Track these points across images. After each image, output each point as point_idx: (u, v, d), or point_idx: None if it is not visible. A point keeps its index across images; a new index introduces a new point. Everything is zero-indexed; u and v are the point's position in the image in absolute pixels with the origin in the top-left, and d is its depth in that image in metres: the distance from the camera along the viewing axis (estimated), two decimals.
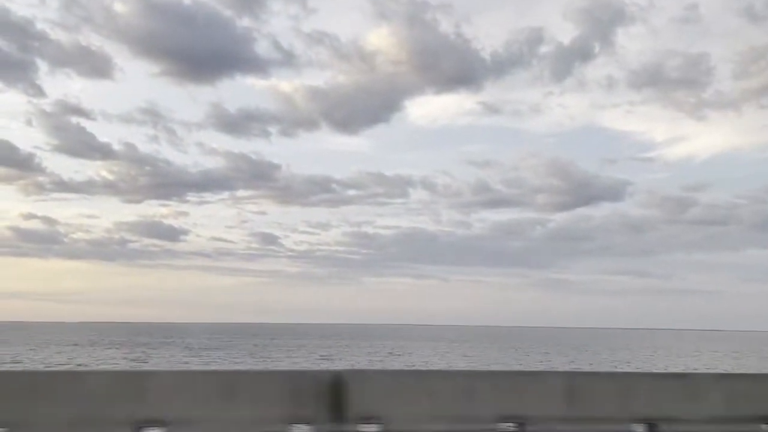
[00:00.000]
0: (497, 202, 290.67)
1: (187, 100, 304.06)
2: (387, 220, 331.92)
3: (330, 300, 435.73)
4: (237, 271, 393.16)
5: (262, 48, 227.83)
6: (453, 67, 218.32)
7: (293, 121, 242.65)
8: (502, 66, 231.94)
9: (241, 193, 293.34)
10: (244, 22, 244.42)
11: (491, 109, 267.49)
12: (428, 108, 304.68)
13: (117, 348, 58.36)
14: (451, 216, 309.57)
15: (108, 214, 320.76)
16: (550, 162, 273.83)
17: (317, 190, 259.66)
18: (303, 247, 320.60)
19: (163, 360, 43.15)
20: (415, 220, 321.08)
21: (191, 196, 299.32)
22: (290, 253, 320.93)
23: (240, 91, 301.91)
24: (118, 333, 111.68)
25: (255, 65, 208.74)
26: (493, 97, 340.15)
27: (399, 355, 52.11)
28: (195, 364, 39.86)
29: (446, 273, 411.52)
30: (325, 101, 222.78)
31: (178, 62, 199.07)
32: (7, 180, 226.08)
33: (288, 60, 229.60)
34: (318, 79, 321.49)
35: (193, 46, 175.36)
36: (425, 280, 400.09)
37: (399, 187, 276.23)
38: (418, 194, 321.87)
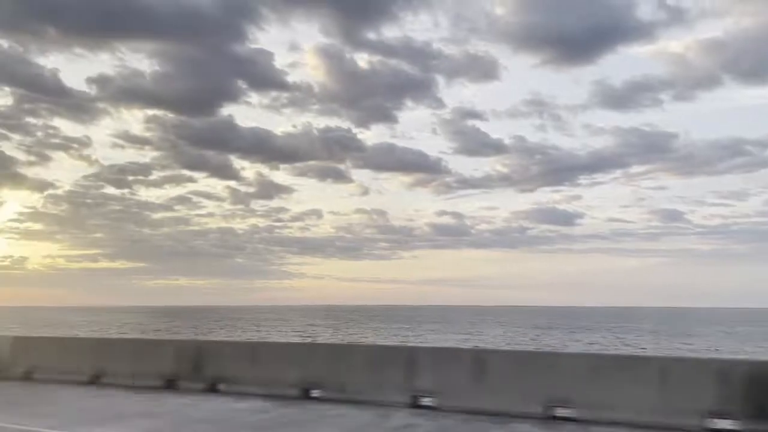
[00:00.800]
0: None
1: (569, 83, 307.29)
2: None
3: (757, 281, 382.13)
4: (639, 252, 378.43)
5: (644, 11, 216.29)
6: None
7: (688, 82, 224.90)
8: None
9: (635, 169, 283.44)
10: None
11: None
12: None
13: (555, 330, 68.81)
14: None
15: (506, 205, 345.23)
16: None
17: (726, 155, 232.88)
18: (715, 222, 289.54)
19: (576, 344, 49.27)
20: None
21: (583, 179, 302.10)
22: (699, 230, 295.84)
23: (624, 63, 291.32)
24: (539, 316, 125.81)
25: (638, 32, 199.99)
26: None
27: None
28: (615, 349, 46.05)
29: None
30: (725, 53, 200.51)
31: (558, 48, 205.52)
32: (422, 183, 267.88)
33: (676, 17, 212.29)
34: (715, 29, 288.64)
35: (571, 29, 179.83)
36: None
37: None
38: None
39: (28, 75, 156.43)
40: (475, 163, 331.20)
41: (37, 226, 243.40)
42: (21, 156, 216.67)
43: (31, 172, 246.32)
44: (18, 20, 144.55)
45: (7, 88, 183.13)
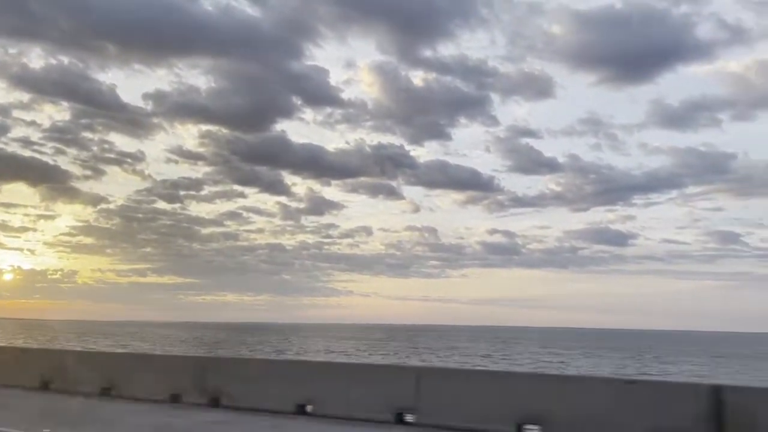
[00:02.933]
0: None
1: (626, 102, 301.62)
2: None
3: None
4: (694, 275, 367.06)
5: (704, 31, 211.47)
6: None
7: (748, 102, 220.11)
8: None
9: (690, 190, 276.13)
10: (682, 8, 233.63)
11: None
12: None
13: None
14: None
15: (558, 224, 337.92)
16: None
17: None
18: None
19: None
20: None
21: (637, 199, 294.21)
22: (757, 252, 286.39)
23: (682, 82, 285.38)
24: (589, 339, 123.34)
25: (697, 51, 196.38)
26: None
27: None
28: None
29: None
30: None
31: (615, 67, 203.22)
32: (474, 201, 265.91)
33: (737, 36, 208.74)
34: None
35: (629, 47, 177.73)
36: None
37: None
38: None
39: (86, 90, 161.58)
40: (528, 181, 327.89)
41: (89, 240, 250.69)
42: (76, 170, 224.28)
43: (86, 187, 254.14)
44: (79, 36, 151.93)
45: (65, 103, 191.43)
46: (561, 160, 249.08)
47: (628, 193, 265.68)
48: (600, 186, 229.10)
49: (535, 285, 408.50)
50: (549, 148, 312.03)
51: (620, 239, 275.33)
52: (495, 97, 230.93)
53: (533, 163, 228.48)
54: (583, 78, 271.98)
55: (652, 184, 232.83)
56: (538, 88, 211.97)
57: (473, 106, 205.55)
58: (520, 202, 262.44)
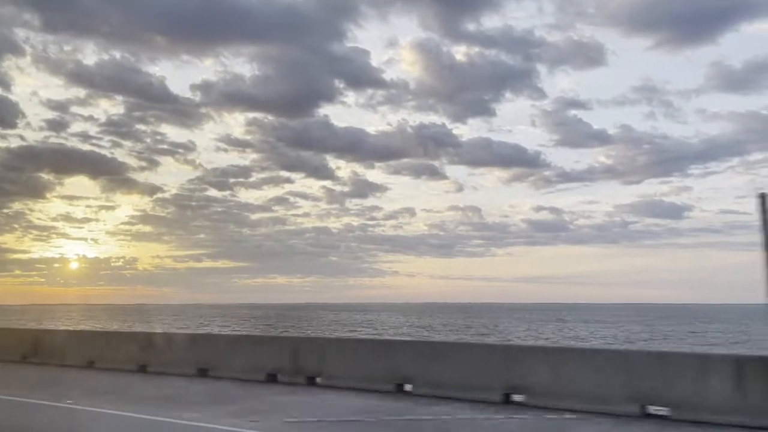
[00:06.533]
0: None
1: (683, 66, 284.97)
2: None
3: None
4: (754, 246, 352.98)
5: None
6: None
7: None
8: None
9: (754, 156, 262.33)
10: None
11: None
12: None
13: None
14: None
15: (607, 198, 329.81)
16: None
17: None
18: None
19: None
20: None
21: (694, 169, 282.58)
22: None
23: (745, 41, 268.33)
24: (634, 314, 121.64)
25: (763, 7, 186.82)
26: None
27: None
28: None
29: None
30: None
31: (673, 29, 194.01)
32: (519, 178, 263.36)
33: None
34: None
35: (689, 6, 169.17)
36: None
37: None
38: None
39: (138, 84, 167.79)
40: (576, 155, 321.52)
41: (147, 229, 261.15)
42: (132, 162, 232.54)
43: (141, 177, 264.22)
44: (129, 30, 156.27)
45: (119, 97, 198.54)
46: (612, 131, 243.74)
47: (685, 162, 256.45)
48: (654, 157, 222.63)
49: (583, 261, 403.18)
50: (599, 119, 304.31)
51: (675, 212, 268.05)
52: (542, 69, 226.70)
53: (582, 136, 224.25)
54: (638, 43, 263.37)
55: (711, 152, 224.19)
56: (588, 56, 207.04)
57: (519, 79, 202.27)
58: (567, 177, 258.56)
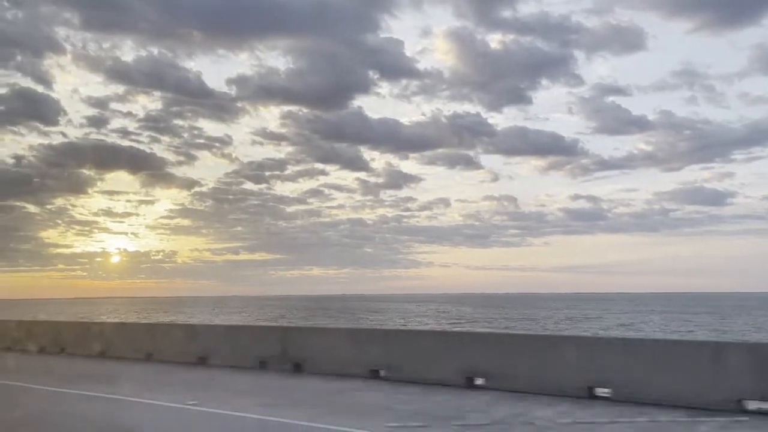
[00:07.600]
0: None
1: (726, 49, 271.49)
2: None
3: None
4: None
5: None
6: None
7: None
8: None
9: None
10: None
11: None
12: None
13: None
14: None
15: (647, 186, 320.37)
16: None
17: None
18: None
19: None
20: None
21: (737, 154, 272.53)
22: None
23: None
24: (672, 304, 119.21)
25: None
26: None
27: None
28: None
29: None
30: None
31: (715, 10, 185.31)
32: (556, 167, 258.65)
33: None
34: None
35: None
36: None
37: None
38: None
39: (175, 79, 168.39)
40: (615, 142, 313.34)
41: (185, 222, 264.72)
42: (170, 156, 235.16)
43: (180, 172, 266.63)
44: (166, 26, 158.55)
45: (157, 93, 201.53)
46: (651, 117, 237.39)
47: (727, 148, 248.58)
48: (695, 143, 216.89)
49: (622, 250, 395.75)
50: (638, 105, 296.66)
51: (717, 198, 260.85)
52: (579, 55, 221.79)
53: (620, 123, 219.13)
54: (679, 26, 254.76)
55: (755, 136, 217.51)
56: (627, 40, 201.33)
57: (555, 66, 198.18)
58: (605, 165, 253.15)
